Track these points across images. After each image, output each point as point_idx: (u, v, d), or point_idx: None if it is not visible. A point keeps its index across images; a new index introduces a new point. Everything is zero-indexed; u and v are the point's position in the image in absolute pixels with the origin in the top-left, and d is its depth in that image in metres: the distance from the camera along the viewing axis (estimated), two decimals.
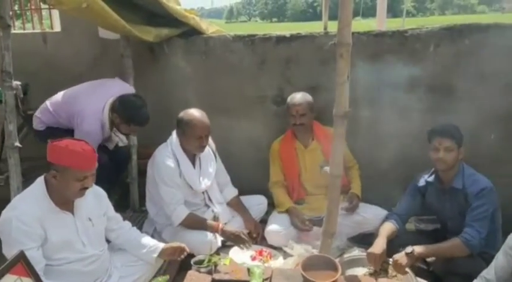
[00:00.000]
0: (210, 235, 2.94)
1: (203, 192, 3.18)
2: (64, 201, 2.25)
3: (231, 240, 2.99)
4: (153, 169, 3.06)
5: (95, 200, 2.44)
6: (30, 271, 1.90)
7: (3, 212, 2.15)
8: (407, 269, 2.63)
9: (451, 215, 2.83)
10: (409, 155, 3.41)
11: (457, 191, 2.73)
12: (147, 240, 2.60)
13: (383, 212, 3.21)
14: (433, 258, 2.79)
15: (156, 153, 3.08)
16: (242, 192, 3.46)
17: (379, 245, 2.72)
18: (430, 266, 2.82)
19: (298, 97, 3.31)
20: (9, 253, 1.99)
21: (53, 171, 2.15)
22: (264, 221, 3.37)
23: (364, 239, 3.15)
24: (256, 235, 3.21)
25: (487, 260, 2.25)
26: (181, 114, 3.04)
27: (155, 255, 2.51)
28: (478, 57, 3.19)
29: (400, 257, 2.58)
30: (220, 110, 3.59)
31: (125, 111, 3.11)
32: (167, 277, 2.55)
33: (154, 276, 2.54)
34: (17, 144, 2.57)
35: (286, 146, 3.43)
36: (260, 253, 2.94)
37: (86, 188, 2.23)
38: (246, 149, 3.64)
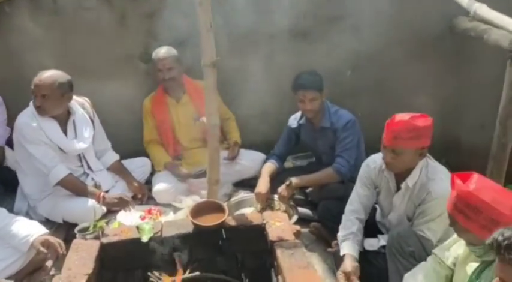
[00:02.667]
0: (91, 201, 2.83)
1: (81, 160, 3.02)
2: None
3: (114, 206, 2.90)
4: (16, 134, 2.85)
5: None
6: None
7: None
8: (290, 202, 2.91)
9: (323, 150, 3.11)
10: (277, 101, 3.59)
11: (326, 129, 3.00)
12: (18, 229, 2.40)
13: (262, 156, 3.39)
14: (310, 189, 3.08)
15: (18, 117, 2.86)
16: (123, 157, 3.35)
17: (263, 184, 2.95)
18: (308, 196, 3.11)
19: (163, 51, 3.25)
20: None
21: None
22: (149, 182, 3.33)
23: (249, 183, 3.34)
24: (142, 196, 3.17)
25: None
26: None
27: (26, 248, 2.36)
28: (329, 2, 3.42)
29: (282, 189, 2.86)
30: (83, 73, 3.32)
31: None
32: None
33: None
34: None
35: (158, 103, 3.37)
36: (149, 212, 2.92)
37: None
38: (119, 112, 3.46)
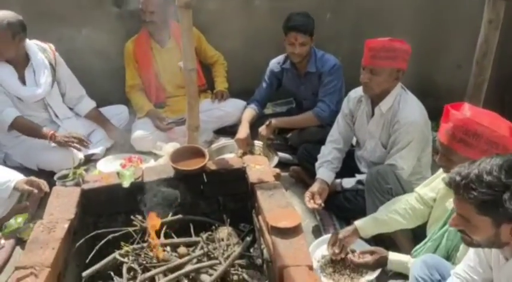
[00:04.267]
0: (70, 149, 2.80)
1: (46, 108, 2.95)
2: None
3: (66, 144, 2.83)
4: None
5: None
6: None
7: None
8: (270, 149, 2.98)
9: (305, 96, 3.12)
10: (255, 45, 3.52)
11: (311, 74, 2.99)
12: None
13: (242, 103, 3.37)
14: (290, 134, 3.11)
15: None
16: (99, 105, 3.28)
17: (243, 130, 2.97)
18: (288, 141, 3.14)
19: None
20: None
21: None
22: (128, 131, 3.30)
23: (230, 130, 3.34)
24: (122, 143, 3.15)
25: None
26: None
27: (7, 195, 2.33)
28: None
29: (262, 129, 2.93)
30: (52, 18, 3.19)
31: None
32: (26, 215, 2.44)
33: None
34: None
35: (141, 46, 3.27)
36: (129, 160, 2.91)
37: None
38: (93, 59, 3.34)
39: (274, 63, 3.15)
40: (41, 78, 2.87)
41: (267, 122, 2.92)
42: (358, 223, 2.12)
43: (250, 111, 3.11)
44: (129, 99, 3.38)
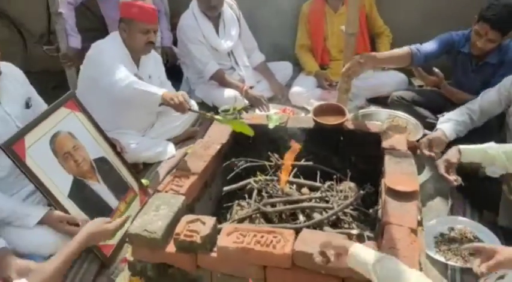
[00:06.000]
0: (235, 92, 3.28)
1: (229, 55, 3.45)
2: (134, 54, 2.65)
3: (252, 102, 3.30)
4: (180, 33, 3.38)
5: (155, 63, 2.87)
6: (81, 107, 2.31)
7: (90, 51, 2.60)
8: None
9: (473, 85, 2.81)
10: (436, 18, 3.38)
11: (489, 65, 2.72)
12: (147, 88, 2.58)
13: (400, 75, 3.35)
14: None
15: (180, 18, 3.39)
16: (268, 59, 3.67)
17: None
18: None
19: None
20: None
21: (122, 24, 2.57)
22: (289, 86, 3.63)
23: (383, 101, 3.37)
24: (281, 97, 3.52)
25: None
26: None
27: (157, 104, 2.50)
28: None
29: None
30: None
31: None
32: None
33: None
34: (60, 10, 2.86)
35: (315, 9, 3.52)
36: (284, 111, 3.25)
37: (151, 43, 2.62)
38: (270, 16, 3.71)
39: (460, 35, 2.80)
40: (232, 31, 3.39)
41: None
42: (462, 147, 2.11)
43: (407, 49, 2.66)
44: (298, 58, 3.69)
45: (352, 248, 1.37)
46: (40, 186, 2.01)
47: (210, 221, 1.73)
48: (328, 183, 2.20)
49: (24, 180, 2.07)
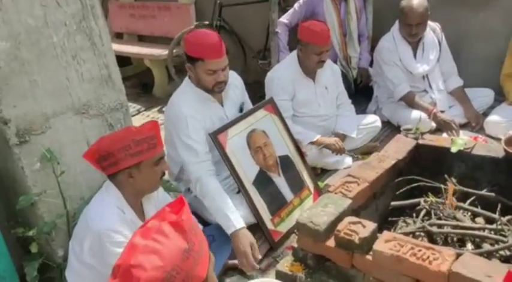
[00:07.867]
0: (422, 114, 3.24)
1: (424, 78, 3.42)
2: (308, 71, 3.01)
3: (440, 125, 3.21)
4: (376, 53, 3.54)
5: (332, 75, 3.15)
6: (277, 111, 2.69)
7: (269, 73, 3.07)
8: None
9: None
10: None
11: None
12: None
13: None
14: None
15: (380, 40, 3.53)
16: (469, 84, 3.50)
17: None
18: None
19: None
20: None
21: (299, 46, 2.94)
22: (486, 114, 3.39)
23: None
24: (475, 125, 3.31)
25: None
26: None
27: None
28: None
29: None
30: (452, 1, 3.55)
31: None
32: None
33: None
34: (277, 29, 3.36)
35: None
36: (475, 139, 3.03)
37: (323, 62, 2.92)
38: (478, 42, 3.54)
39: None
40: (430, 55, 3.38)
41: None
42: None
43: None
44: (502, 86, 3.42)
45: None
46: (232, 171, 2.42)
47: (371, 225, 1.82)
48: (508, 217, 2.04)
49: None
